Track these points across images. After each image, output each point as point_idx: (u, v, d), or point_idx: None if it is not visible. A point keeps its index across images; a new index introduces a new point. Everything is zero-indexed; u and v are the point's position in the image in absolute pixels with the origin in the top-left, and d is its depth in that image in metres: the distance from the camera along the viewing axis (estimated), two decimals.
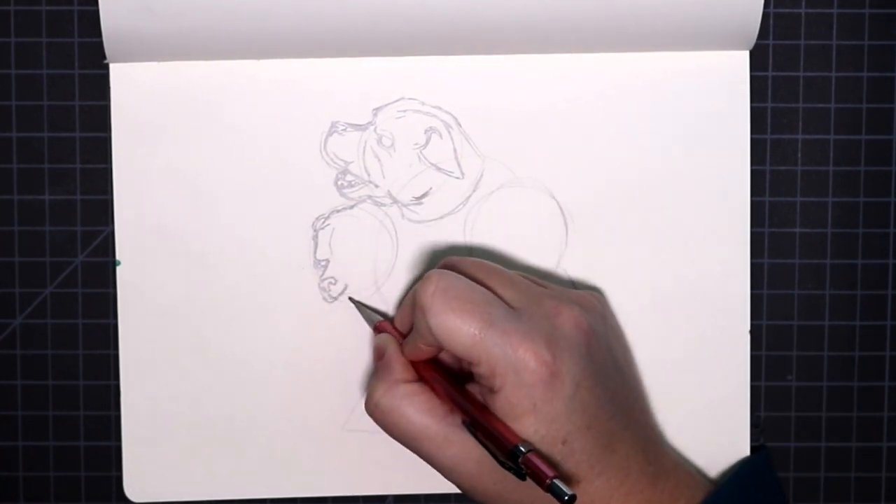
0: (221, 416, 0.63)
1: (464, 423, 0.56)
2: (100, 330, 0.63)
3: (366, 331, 0.63)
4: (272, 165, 0.62)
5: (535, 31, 0.60)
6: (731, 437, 0.64)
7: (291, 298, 0.63)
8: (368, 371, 0.63)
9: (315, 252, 0.63)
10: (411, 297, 0.59)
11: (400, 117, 0.63)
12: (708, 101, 0.63)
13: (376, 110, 0.63)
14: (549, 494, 0.53)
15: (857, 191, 0.64)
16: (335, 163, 0.63)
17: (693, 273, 0.63)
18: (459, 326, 0.55)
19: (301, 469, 0.63)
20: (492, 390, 0.56)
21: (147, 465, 0.63)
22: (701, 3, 0.60)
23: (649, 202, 0.63)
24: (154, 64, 0.61)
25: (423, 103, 0.63)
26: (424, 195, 0.63)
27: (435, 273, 0.57)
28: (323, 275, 0.63)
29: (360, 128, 0.63)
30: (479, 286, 0.57)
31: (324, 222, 0.63)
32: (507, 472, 0.55)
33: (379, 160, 0.63)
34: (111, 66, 0.62)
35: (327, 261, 0.63)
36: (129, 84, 0.62)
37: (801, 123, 0.64)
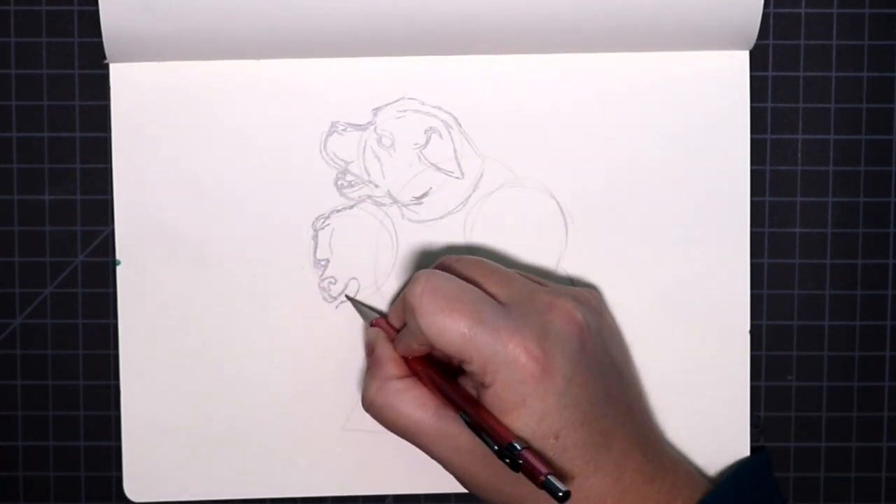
0: (221, 416, 0.63)
1: (460, 415, 0.56)
2: (100, 330, 0.63)
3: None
4: (272, 165, 0.62)
5: (536, 31, 0.60)
6: (731, 437, 0.64)
7: (291, 298, 0.63)
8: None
9: (315, 252, 0.63)
10: (403, 296, 0.59)
11: (400, 117, 0.63)
12: (708, 101, 0.63)
13: (376, 110, 0.63)
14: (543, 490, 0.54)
15: (857, 191, 0.64)
16: (335, 163, 0.63)
17: (693, 273, 0.63)
18: (448, 326, 0.55)
19: (301, 469, 0.63)
20: (483, 386, 0.56)
21: (147, 465, 0.63)
22: (701, 3, 0.60)
23: (649, 202, 0.63)
24: (154, 64, 0.61)
25: (423, 103, 0.63)
26: (424, 195, 0.63)
27: (423, 273, 0.57)
28: (323, 275, 0.63)
29: (360, 128, 0.63)
30: (468, 284, 0.57)
31: (324, 222, 0.63)
32: (500, 466, 0.55)
33: (379, 160, 0.63)
34: (111, 66, 0.62)
35: (327, 261, 0.63)
36: (129, 84, 0.62)
37: (801, 123, 0.64)
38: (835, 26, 0.63)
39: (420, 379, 0.58)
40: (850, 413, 0.65)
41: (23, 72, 0.63)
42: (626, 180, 0.63)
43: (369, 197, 0.63)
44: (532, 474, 0.54)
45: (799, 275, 0.64)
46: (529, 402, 0.55)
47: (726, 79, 0.63)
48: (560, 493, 0.53)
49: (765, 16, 0.62)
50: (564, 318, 0.57)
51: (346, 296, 0.63)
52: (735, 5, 0.60)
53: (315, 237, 0.63)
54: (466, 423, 0.56)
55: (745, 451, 0.64)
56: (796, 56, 0.63)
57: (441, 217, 0.63)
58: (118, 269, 0.63)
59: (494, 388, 0.55)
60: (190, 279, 0.62)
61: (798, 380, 0.64)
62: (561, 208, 0.63)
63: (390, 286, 0.63)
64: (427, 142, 0.63)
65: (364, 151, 0.63)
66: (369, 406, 0.58)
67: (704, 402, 0.63)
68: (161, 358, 0.63)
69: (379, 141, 0.63)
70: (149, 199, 0.62)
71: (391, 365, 0.59)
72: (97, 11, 0.59)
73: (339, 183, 0.63)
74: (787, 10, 0.63)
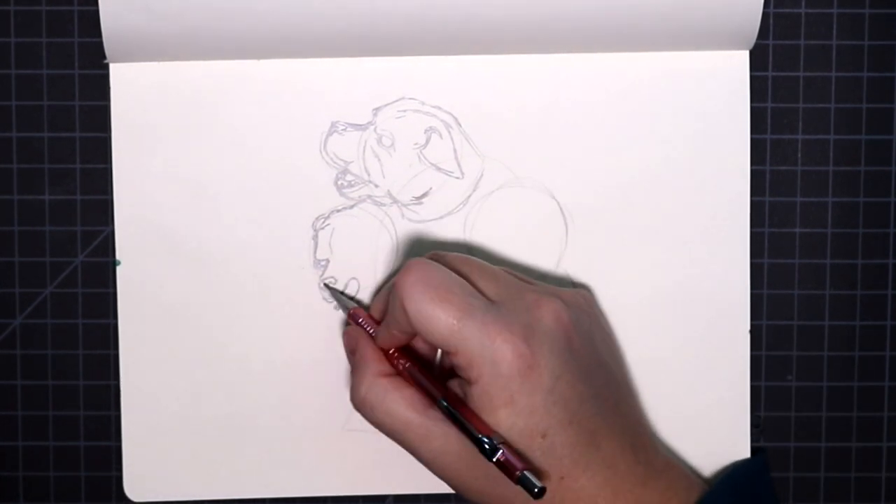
0: (221, 416, 0.63)
1: (440, 403, 0.56)
2: (100, 330, 0.63)
3: None
4: (272, 165, 0.62)
5: (536, 31, 0.60)
6: (731, 437, 0.64)
7: (291, 298, 0.63)
8: None
9: (315, 252, 0.63)
10: (389, 287, 0.59)
11: (400, 117, 0.63)
12: (708, 101, 0.63)
13: (376, 110, 0.63)
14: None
15: (857, 191, 0.64)
16: (335, 163, 0.63)
17: (693, 273, 0.63)
18: (438, 315, 0.55)
19: (301, 469, 0.63)
20: (469, 382, 0.56)
21: (147, 465, 0.63)
22: (701, 3, 0.60)
23: (649, 202, 0.63)
24: (154, 64, 0.61)
25: (423, 103, 0.63)
26: (424, 195, 0.63)
27: (416, 262, 0.57)
28: (323, 275, 0.63)
29: (360, 128, 0.63)
30: (459, 277, 0.57)
31: (324, 222, 0.63)
32: (488, 468, 0.55)
33: (379, 160, 0.63)
34: (111, 66, 0.62)
35: (327, 261, 0.63)
36: (129, 84, 0.62)
37: (801, 123, 0.64)
38: (835, 26, 0.63)
39: (402, 375, 0.58)
40: (850, 413, 0.65)
41: (23, 72, 0.63)
42: (626, 180, 0.63)
43: (369, 197, 0.63)
44: (508, 470, 0.54)
45: (799, 275, 0.64)
46: (517, 399, 0.55)
47: (726, 79, 0.63)
48: (535, 490, 0.53)
49: (765, 16, 0.62)
50: (552, 316, 0.57)
51: (325, 283, 0.62)
52: (735, 5, 0.60)
53: (315, 237, 0.63)
54: (447, 413, 0.56)
55: (745, 452, 0.64)
56: (796, 56, 0.63)
57: (441, 217, 0.63)
58: (118, 269, 0.63)
59: (481, 385, 0.55)
60: (190, 279, 0.62)
61: (798, 380, 0.64)
62: (561, 208, 0.63)
63: None
64: (427, 142, 0.63)
65: (364, 151, 0.63)
66: (360, 404, 0.58)
67: (704, 402, 0.63)
68: (161, 358, 0.63)
69: (379, 141, 0.63)
70: (149, 199, 0.62)
71: (377, 364, 0.59)
72: (97, 11, 0.59)
73: (339, 183, 0.63)
74: (787, 10, 0.63)
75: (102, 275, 0.63)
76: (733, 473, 0.62)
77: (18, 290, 0.63)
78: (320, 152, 0.63)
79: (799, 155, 0.64)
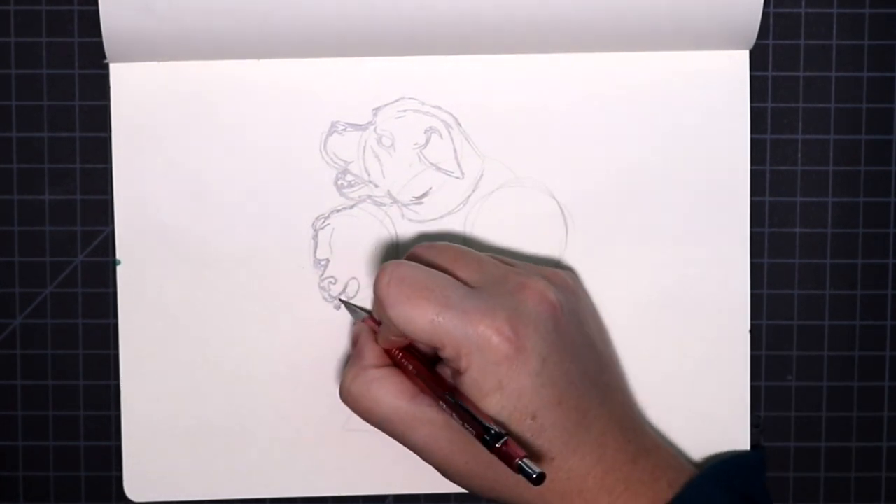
0: (221, 416, 0.63)
1: (444, 397, 0.56)
2: (100, 330, 0.63)
3: None
4: (272, 165, 0.62)
5: (535, 31, 0.60)
6: (731, 437, 0.64)
7: (291, 298, 0.63)
8: None
9: (315, 252, 0.63)
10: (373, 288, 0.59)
11: (400, 117, 0.63)
12: (708, 101, 0.63)
13: (376, 110, 0.63)
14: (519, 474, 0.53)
15: (857, 191, 0.64)
16: (335, 163, 0.63)
17: (693, 273, 0.63)
18: (416, 314, 0.56)
19: (301, 469, 0.63)
20: (458, 371, 0.56)
21: (147, 465, 0.63)
22: (701, 3, 0.60)
23: (649, 202, 0.63)
24: (154, 64, 0.61)
25: (423, 103, 0.63)
26: (424, 195, 0.63)
27: (389, 264, 0.57)
28: (323, 275, 0.63)
29: (360, 128, 0.63)
30: (434, 271, 0.57)
31: (324, 222, 0.63)
32: (477, 452, 0.55)
33: (379, 160, 0.63)
34: (111, 66, 0.62)
35: (327, 261, 0.63)
36: (129, 84, 0.62)
37: (801, 123, 0.64)
38: (835, 26, 0.63)
39: (400, 368, 0.58)
40: (850, 413, 0.65)
41: (23, 72, 0.63)
42: (626, 180, 0.63)
43: (369, 197, 0.63)
44: (507, 459, 0.54)
45: (799, 275, 0.64)
46: (505, 383, 0.55)
47: (726, 79, 0.63)
48: (534, 476, 0.53)
49: (765, 16, 0.62)
50: (536, 297, 0.57)
51: (340, 299, 0.63)
52: (735, 5, 0.60)
53: (315, 237, 0.63)
54: (450, 403, 0.56)
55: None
56: (796, 56, 0.63)
57: (441, 217, 0.63)
58: (118, 269, 0.63)
59: (470, 373, 0.55)
60: (190, 279, 0.62)
61: (798, 380, 0.64)
62: (561, 208, 0.63)
63: None
64: (427, 142, 0.63)
65: (364, 151, 0.63)
66: (346, 395, 0.59)
67: (704, 402, 0.63)
68: (161, 358, 0.63)
69: (379, 141, 0.63)
70: (149, 199, 0.62)
71: (370, 354, 0.59)
72: (97, 11, 0.59)
73: (339, 183, 0.63)
74: (787, 10, 0.63)
75: (102, 275, 0.63)
76: (727, 462, 0.61)
77: (18, 290, 0.63)
78: (320, 152, 0.63)
79: (799, 155, 0.64)
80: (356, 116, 0.63)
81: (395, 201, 0.63)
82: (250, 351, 0.63)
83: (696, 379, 0.63)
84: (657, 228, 0.63)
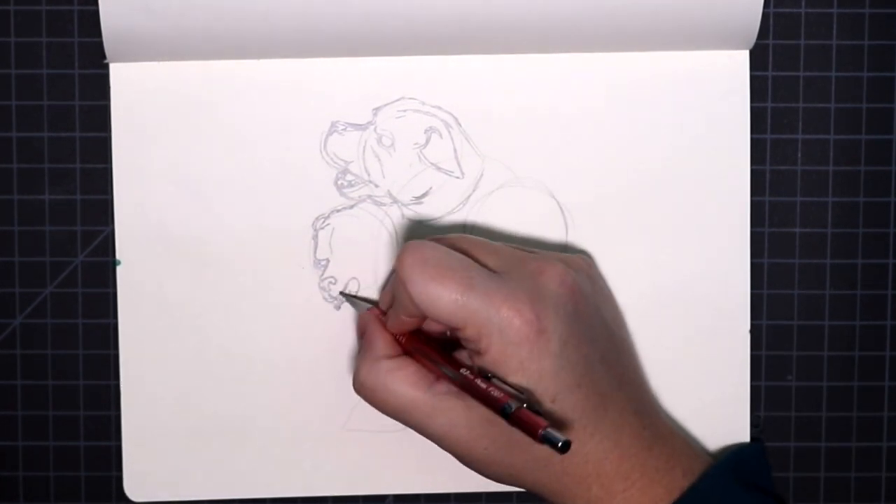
0: (221, 416, 0.63)
1: (459, 374, 0.56)
2: (100, 330, 0.63)
3: None
4: (272, 165, 0.62)
5: (535, 31, 0.60)
6: (731, 437, 0.64)
7: (291, 298, 0.63)
8: None
9: (315, 252, 0.63)
10: (394, 267, 0.59)
11: (400, 117, 0.63)
12: (708, 101, 0.63)
13: (376, 110, 0.63)
14: (538, 456, 0.53)
15: (857, 191, 0.64)
16: (335, 163, 0.63)
17: (693, 273, 0.63)
18: (441, 293, 0.55)
19: (301, 469, 0.63)
20: (478, 353, 0.56)
21: (147, 465, 0.63)
22: (701, 3, 0.60)
23: (649, 202, 0.63)
24: (154, 64, 0.61)
25: (423, 103, 0.63)
26: (424, 195, 0.63)
27: (412, 243, 0.57)
28: (323, 275, 0.63)
29: (360, 127, 0.63)
30: (457, 253, 0.57)
31: (324, 222, 0.63)
32: (496, 436, 0.55)
33: (379, 160, 0.63)
34: (111, 66, 0.62)
35: (327, 261, 0.63)
36: (129, 84, 0.62)
37: (801, 123, 0.64)
38: (835, 26, 0.63)
39: (412, 356, 0.58)
40: (850, 413, 0.65)
41: (23, 72, 0.63)
42: (626, 180, 0.63)
43: (369, 197, 0.63)
44: (531, 430, 0.53)
45: (799, 275, 0.64)
46: (526, 365, 0.55)
47: (726, 79, 0.63)
48: (560, 444, 0.52)
49: (765, 16, 0.62)
50: (556, 280, 0.57)
51: (341, 292, 0.63)
52: (735, 5, 0.60)
53: (315, 237, 0.63)
54: (471, 377, 0.55)
55: None
56: (796, 56, 0.63)
57: (441, 217, 0.63)
58: (118, 269, 0.63)
59: (490, 354, 0.55)
60: (190, 279, 0.62)
61: (798, 380, 0.64)
62: (561, 208, 0.63)
63: None
64: (427, 141, 0.63)
65: (364, 151, 0.63)
66: (360, 387, 0.58)
67: (704, 401, 0.63)
68: (161, 358, 0.63)
69: (379, 141, 0.63)
70: (149, 199, 0.62)
71: (382, 345, 0.59)
72: (97, 11, 0.59)
73: (339, 183, 0.63)
74: (787, 10, 0.63)
75: (102, 275, 0.63)
76: (739, 452, 0.61)
77: (18, 290, 0.63)
78: (320, 152, 0.63)
79: (799, 155, 0.64)
80: (356, 116, 0.63)
81: (396, 201, 0.63)
82: (250, 351, 0.63)
83: (696, 379, 0.63)
84: (657, 228, 0.63)
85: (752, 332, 0.64)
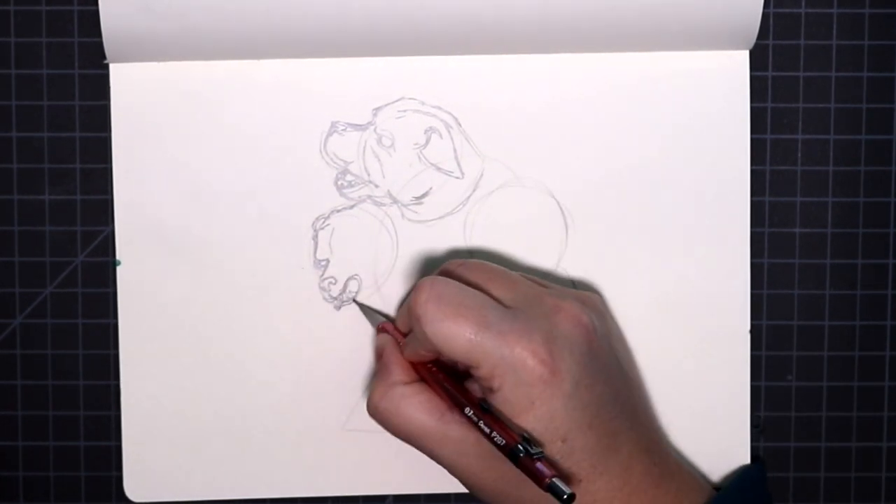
0: (221, 416, 0.63)
1: (469, 414, 0.56)
2: (100, 330, 0.63)
3: (366, 331, 0.63)
4: (272, 165, 0.62)
5: (535, 31, 0.60)
6: (731, 437, 0.64)
7: (291, 298, 0.63)
8: (369, 371, 0.63)
9: (315, 252, 0.63)
10: (408, 304, 0.59)
11: (400, 117, 0.63)
12: (708, 101, 0.63)
13: (376, 110, 0.63)
14: (547, 493, 0.53)
15: (857, 191, 0.64)
16: (335, 163, 0.63)
17: (693, 273, 0.63)
18: (455, 332, 0.55)
19: (301, 469, 0.63)
20: (491, 390, 0.56)
21: (147, 465, 0.63)
22: (701, 3, 0.60)
23: (649, 202, 0.63)
24: (154, 64, 0.61)
25: (423, 103, 0.63)
26: (424, 195, 0.63)
27: (427, 280, 0.57)
28: (323, 275, 0.63)
29: (360, 128, 0.63)
30: (472, 290, 0.57)
31: (324, 222, 0.63)
32: (506, 470, 0.55)
33: (379, 160, 0.63)
34: (111, 66, 0.62)
35: (327, 261, 0.63)
36: (129, 84, 0.62)
37: (801, 123, 0.64)
38: (835, 26, 0.63)
39: (427, 383, 0.58)
40: (850, 413, 0.65)
41: (23, 72, 0.63)
42: (626, 180, 0.63)
43: (369, 197, 0.63)
44: (536, 477, 0.54)
45: (799, 275, 0.64)
46: (537, 405, 0.55)
47: (726, 79, 0.63)
48: (565, 496, 0.53)
49: (765, 16, 0.62)
50: (571, 320, 0.57)
51: (354, 300, 0.63)
52: (735, 5, 0.60)
53: (315, 237, 0.63)
54: (481, 416, 0.56)
55: (745, 451, 0.64)
56: (796, 56, 0.63)
57: (441, 217, 0.63)
58: (118, 269, 0.63)
59: (502, 392, 0.55)
60: (190, 279, 0.62)
61: (798, 380, 0.64)
62: (561, 208, 0.63)
63: (390, 286, 0.63)
64: (427, 142, 0.63)
65: (364, 151, 0.63)
66: (374, 411, 0.59)
67: (705, 402, 0.63)
68: (161, 358, 0.63)
69: (379, 141, 0.63)
70: (149, 199, 0.62)
71: (398, 370, 0.59)
72: (97, 11, 0.59)
73: (339, 183, 0.63)
74: (787, 10, 0.63)
75: (102, 275, 0.63)
76: (741, 478, 0.62)
77: (18, 290, 0.63)
78: (320, 152, 0.63)
79: (799, 155, 0.64)
80: (356, 116, 0.63)
81: (395, 201, 0.63)
82: (250, 351, 0.63)
83: (696, 379, 0.63)
84: (657, 228, 0.63)
85: (752, 332, 0.64)
